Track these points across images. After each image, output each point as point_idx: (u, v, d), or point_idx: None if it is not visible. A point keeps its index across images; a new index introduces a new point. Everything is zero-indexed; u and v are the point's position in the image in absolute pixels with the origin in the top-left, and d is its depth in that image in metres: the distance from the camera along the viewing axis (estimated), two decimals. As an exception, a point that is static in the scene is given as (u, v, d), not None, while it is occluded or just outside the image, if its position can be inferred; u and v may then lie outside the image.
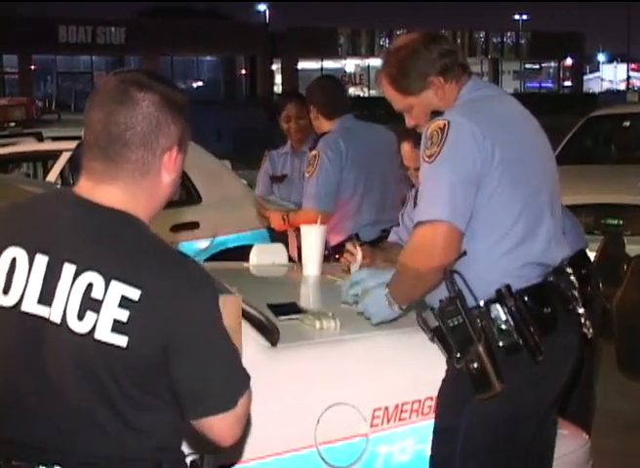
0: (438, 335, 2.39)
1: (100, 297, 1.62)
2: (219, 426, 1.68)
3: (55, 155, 5.80)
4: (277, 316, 2.74)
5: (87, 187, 1.73)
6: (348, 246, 3.20)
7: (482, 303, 2.35)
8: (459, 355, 2.32)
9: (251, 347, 2.37)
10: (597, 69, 69.19)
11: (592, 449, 2.90)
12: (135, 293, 1.61)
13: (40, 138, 6.30)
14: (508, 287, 2.34)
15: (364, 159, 4.10)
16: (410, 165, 3.30)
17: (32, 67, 39.38)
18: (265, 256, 3.73)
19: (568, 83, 56.39)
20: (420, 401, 2.55)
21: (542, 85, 55.75)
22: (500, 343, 2.34)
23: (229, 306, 1.87)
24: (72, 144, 5.26)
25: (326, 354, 2.57)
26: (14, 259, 1.68)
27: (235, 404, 1.67)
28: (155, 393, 1.66)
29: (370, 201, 4.13)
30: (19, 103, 7.55)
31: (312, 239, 3.52)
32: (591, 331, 2.50)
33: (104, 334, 1.61)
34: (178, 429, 1.70)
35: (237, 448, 2.21)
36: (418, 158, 3.08)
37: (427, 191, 2.34)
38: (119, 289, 1.61)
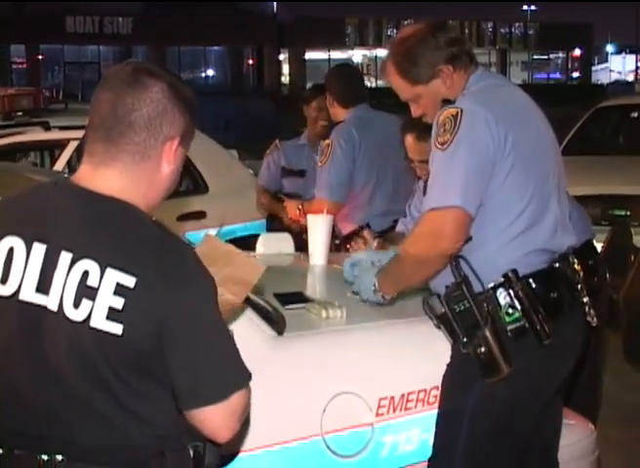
0: (444, 322, 2.40)
1: (95, 285, 1.62)
2: (210, 419, 1.67)
3: (62, 144, 5.80)
4: (283, 305, 2.74)
5: (86, 173, 1.73)
6: (365, 233, 3.20)
7: (488, 288, 2.36)
8: (465, 340, 2.33)
9: (257, 336, 2.38)
10: (605, 60, 68.96)
11: (598, 440, 2.90)
12: (130, 281, 1.61)
13: (47, 128, 6.29)
14: (515, 271, 2.35)
15: (377, 149, 4.09)
16: (414, 157, 3.30)
17: (40, 57, 39.42)
18: (272, 246, 3.73)
19: (576, 74, 56.21)
20: (425, 390, 2.55)
21: (550, 76, 55.60)
22: (508, 327, 2.36)
23: (208, 244, 1.89)
24: (79, 134, 5.24)
25: (332, 343, 2.57)
26: (11, 249, 1.68)
27: (226, 397, 1.65)
28: (154, 380, 1.65)
29: (382, 191, 4.12)
30: (26, 93, 7.54)
31: (319, 228, 3.52)
32: (596, 319, 2.51)
33: (99, 322, 1.61)
34: (179, 417, 1.69)
35: (241, 437, 2.22)
36: (421, 150, 3.14)
37: (440, 178, 2.34)
38: (114, 276, 1.61)
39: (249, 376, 1.71)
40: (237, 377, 1.69)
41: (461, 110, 2.33)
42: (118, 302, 1.61)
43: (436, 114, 2.41)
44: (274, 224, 4.67)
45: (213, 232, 5.05)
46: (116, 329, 1.61)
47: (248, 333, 2.27)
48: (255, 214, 5.36)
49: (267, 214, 4.94)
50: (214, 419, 1.67)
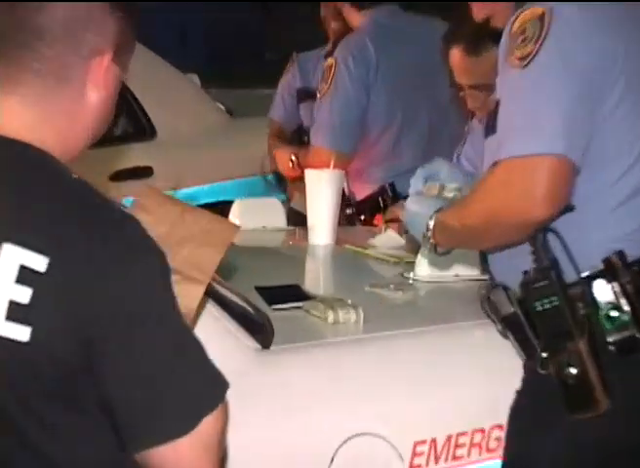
0: (513, 327, 2.38)
1: None
2: (174, 458, 1.68)
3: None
4: (270, 304, 2.77)
5: None
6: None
7: (581, 278, 2.33)
8: (545, 355, 2.31)
9: (233, 350, 2.38)
10: None
11: None
12: (40, 262, 1.60)
13: None
14: (621, 254, 2.32)
15: (406, 72, 4.09)
16: (463, 81, 3.31)
17: None
18: (252, 217, 3.75)
19: None
20: (483, 431, 2.58)
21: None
22: (609, 338, 2.32)
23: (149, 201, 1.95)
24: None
25: (343, 360, 2.57)
26: None
27: (196, 424, 1.67)
28: (79, 409, 1.66)
29: (413, 136, 4.13)
30: None
31: (322, 191, 3.54)
32: None
33: None
34: (120, 461, 1.70)
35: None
36: (474, 70, 3.24)
37: (521, 111, 2.29)
38: (16, 256, 1.61)
39: (225, 388, 1.72)
40: (208, 393, 1.70)
41: (550, 9, 2.28)
42: (23, 294, 1.60)
43: (509, 17, 2.37)
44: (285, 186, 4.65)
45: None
46: (21, 333, 1.61)
47: (221, 347, 2.23)
48: (226, 170, 5.36)
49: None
50: (180, 458, 1.68)
